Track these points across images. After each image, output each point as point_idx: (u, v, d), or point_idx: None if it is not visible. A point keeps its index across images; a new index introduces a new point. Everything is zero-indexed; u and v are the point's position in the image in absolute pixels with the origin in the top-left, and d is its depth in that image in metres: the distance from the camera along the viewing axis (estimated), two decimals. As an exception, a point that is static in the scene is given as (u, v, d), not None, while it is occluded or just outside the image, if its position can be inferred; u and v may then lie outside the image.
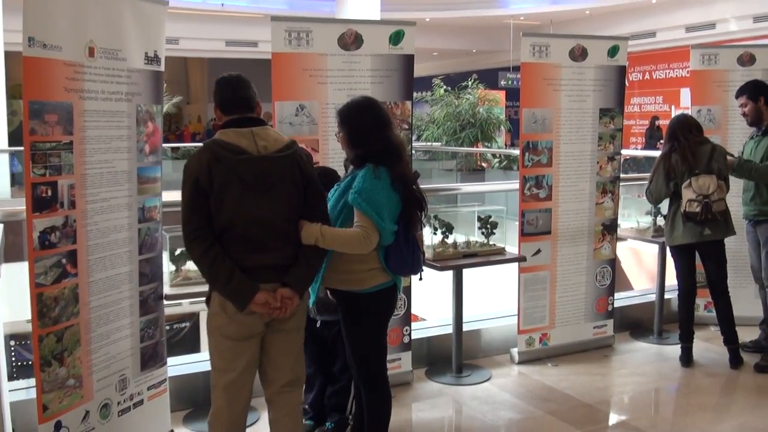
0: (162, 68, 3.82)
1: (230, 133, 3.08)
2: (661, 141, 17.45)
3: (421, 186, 3.46)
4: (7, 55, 12.76)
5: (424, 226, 3.78)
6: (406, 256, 3.35)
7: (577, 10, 20.37)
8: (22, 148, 3.25)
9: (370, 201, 3.20)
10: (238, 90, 3.19)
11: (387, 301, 3.43)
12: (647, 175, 5.36)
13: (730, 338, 5.16)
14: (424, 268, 3.60)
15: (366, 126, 3.33)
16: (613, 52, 5.43)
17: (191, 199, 3.00)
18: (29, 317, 3.18)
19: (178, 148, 18.16)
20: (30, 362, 9.62)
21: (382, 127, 3.35)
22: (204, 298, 4.29)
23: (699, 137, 5.09)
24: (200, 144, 3.23)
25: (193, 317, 12.43)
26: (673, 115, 5.32)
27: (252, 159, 3.04)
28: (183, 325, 12.46)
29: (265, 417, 4.27)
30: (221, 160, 2.99)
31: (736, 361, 5.13)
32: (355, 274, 3.31)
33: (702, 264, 5.28)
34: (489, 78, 20.28)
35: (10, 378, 4.26)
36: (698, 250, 5.20)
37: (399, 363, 4.78)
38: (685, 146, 5.01)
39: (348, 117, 3.37)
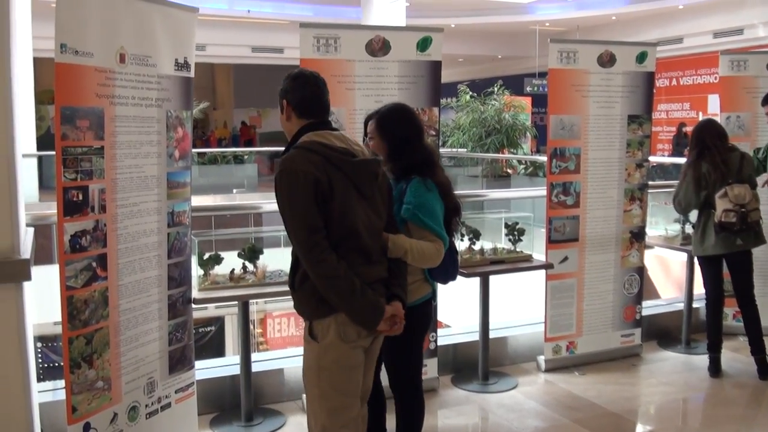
0: (192, 74, 3.85)
1: (328, 136, 2.84)
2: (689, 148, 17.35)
3: None
4: (36, 61, 12.93)
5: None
6: (448, 265, 3.32)
7: (603, 16, 20.26)
8: (50, 152, 3.29)
9: (431, 215, 3.15)
10: (324, 91, 2.95)
11: (427, 312, 3.42)
12: (675, 182, 5.31)
13: (757, 348, 5.09)
14: None
15: (408, 135, 3.25)
16: (641, 58, 5.39)
17: (313, 205, 2.69)
18: (56, 319, 3.20)
19: (204, 153, 18.29)
20: (56, 364, 9.75)
21: (421, 135, 3.31)
22: (228, 303, 4.33)
23: (727, 144, 5.03)
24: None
25: (219, 321, 12.50)
26: (693, 130, 5.23)
27: (364, 162, 2.86)
28: (209, 329, 12.54)
29: (291, 421, 4.31)
30: (334, 162, 2.75)
31: (763, 372, 5.05)
32: None
33: (729, 273, 5.21)
34: (514, 84, 20.25)
35: (37, 380, 4.31)
36: (726, 260, 5.14)
37: (425, 369, 4.74)
38: (715, 154, 4.93)
39: (390, 126, 3.26)
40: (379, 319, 2.80)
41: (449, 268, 3.35)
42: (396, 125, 3.26)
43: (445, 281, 3.45)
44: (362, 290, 2.74)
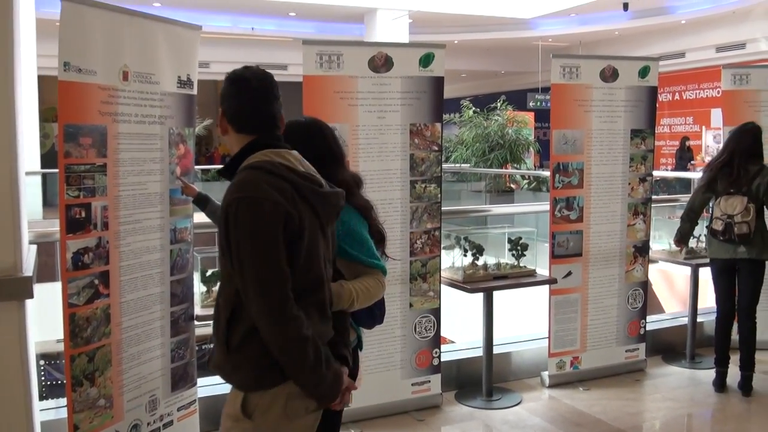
0: (194, 92, 3.86)
1: (287, 156, 2.24)
2: (692, 162, 17.33)
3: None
4: (40, 79, 12.99)
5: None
6: (374, 306, 2.68)
7: (605, 31, 20.30)
8: (54, 170, 3.30)
9: (360, 244, 2.61)
10: (270, 98, 2.29)
11: (354, 361, 2.65)
12: (679, 196, 5.31)
13: (745, 364, 5.02)
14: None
15: (324, 153, 2.63)
16: (643, 72, 5.40)
17: (282, 246, 2.09)
18: (59, 337, 3.19)
19: (208, 170, 18.32)
20: (59, 382, 9.71)
21: (339, 154, 2.74)
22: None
23: (753, 160, 4.98)
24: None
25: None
26: (731, 130, 5.19)
27: (333, 195, 2.30)
28: (210, 346, 12.51)
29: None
30: (302, 192, 2.17)
31: (745, 388, 5.00)
32: None
33: (738, 283, 5.14)
34: (517, 99, 20.27)
35: (40, 398, 4.30)
36: (737, 268, 5.08)
37: (428, 386, 4.74)
38: (734, 166, 4.94)
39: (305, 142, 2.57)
40: (339, 392, 2.23)
41: (375, 309, 2.71)
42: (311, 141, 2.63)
43: (371, 326, 2.79)
44: (327, 357, 2.19)
